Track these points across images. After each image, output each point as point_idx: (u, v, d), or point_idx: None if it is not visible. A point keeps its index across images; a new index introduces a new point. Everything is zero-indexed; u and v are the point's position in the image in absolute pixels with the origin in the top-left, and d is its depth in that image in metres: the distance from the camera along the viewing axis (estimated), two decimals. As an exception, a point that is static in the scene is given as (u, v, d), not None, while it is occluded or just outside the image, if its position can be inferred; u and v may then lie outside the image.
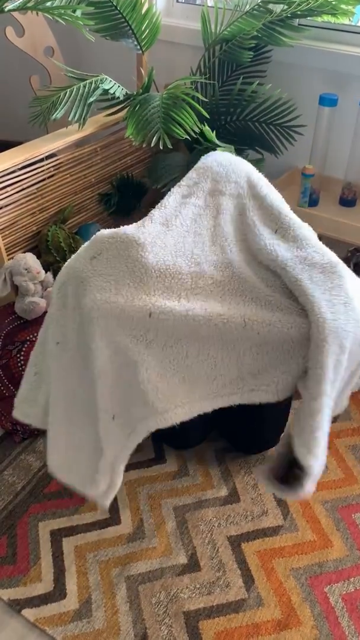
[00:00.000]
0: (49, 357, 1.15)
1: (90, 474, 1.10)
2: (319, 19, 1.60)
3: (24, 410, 1.22)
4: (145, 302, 1.05)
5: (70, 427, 1.14)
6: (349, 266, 1.66)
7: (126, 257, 1.09)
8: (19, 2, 1.38)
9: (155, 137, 1.48)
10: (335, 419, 1.54)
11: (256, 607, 1.15)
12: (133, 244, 1.10)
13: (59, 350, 1.12)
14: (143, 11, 1.59)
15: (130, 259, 1.09)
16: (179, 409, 1.06)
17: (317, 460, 1.00)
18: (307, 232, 1.18)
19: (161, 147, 1.48)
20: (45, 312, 1.54)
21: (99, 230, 1.46)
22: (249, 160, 1.56)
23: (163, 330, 1.04)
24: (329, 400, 1.00)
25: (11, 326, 1.51)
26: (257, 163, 1.61)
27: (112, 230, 1.14)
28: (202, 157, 1.34)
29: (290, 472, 1.09)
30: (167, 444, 1.45)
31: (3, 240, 1.57)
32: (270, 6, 1.58)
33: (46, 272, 1.57)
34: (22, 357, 1.48)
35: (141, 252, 1.09)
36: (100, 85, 1.58)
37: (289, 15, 1.53)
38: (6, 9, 1.39)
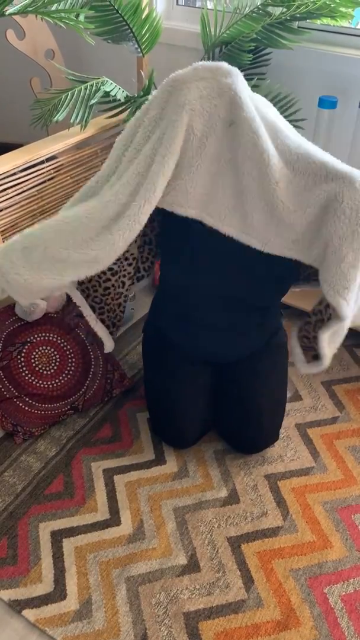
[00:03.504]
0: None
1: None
2: (318, 22, 1.61)
3: None
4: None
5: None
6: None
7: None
8: (19, 5, 1.39)
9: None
10: (334, 420, 1.55)
11: (256, 608, 1.15)
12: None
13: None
14: (144, 15, 1.59)
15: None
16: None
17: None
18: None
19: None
20: (45, 315, 1.54)
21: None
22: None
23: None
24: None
25: (12, 328, 1.52)
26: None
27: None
28: None
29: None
30: (165, 441, 1.46)
31: (4, 242, 1.58)
32: (270, 9, 1.58)
33: (47, 273, 1.57)
34: (22, 359, 1.48)
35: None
36: (101, 87, 1.59)
37: (288, 17, 1.54)
38: (7, 13, 1.40)
